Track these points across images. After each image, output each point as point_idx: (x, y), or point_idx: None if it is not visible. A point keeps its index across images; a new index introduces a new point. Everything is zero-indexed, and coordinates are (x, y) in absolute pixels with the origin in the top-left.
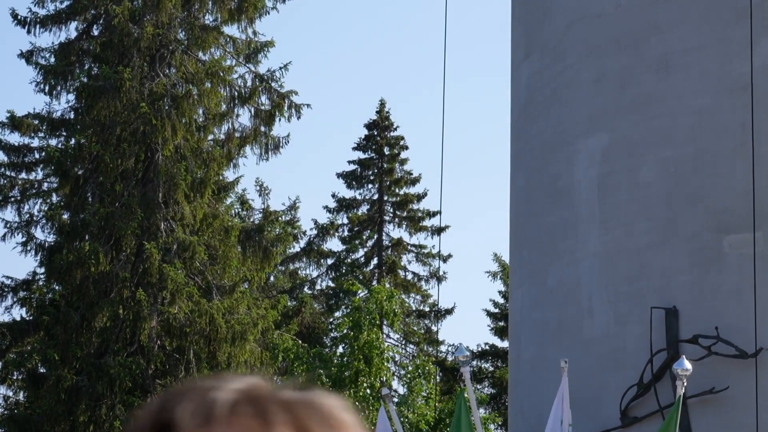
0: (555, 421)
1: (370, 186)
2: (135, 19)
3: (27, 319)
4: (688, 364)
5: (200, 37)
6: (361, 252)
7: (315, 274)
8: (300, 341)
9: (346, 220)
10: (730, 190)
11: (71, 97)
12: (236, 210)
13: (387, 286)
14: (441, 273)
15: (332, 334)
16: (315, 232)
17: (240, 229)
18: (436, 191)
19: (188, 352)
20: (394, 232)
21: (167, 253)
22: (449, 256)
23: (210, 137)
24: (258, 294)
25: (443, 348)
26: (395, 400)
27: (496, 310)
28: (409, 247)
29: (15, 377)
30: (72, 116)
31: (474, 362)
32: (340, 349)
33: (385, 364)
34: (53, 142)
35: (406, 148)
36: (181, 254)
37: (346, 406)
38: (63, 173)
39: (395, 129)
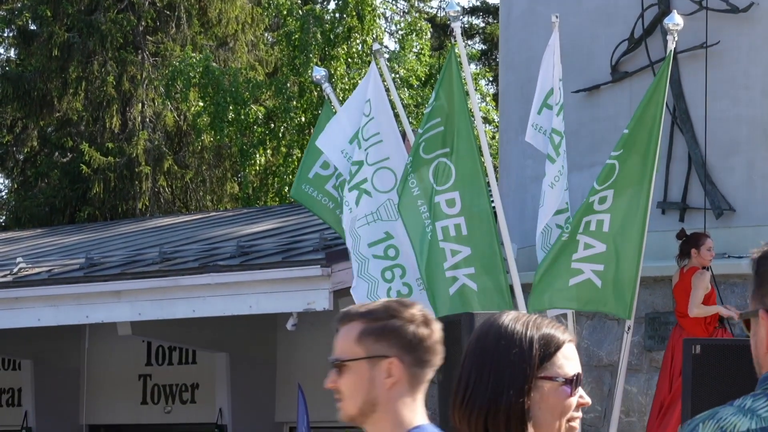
0: (546, 75)
1: None
2: None
3: None
4: (679, 19)
5: None
6: None
7: None
8: None
9: None
10: None
11: None
12: None
13: None
14: None
15: None
16: None
17: None
18: None
19: (179, 9)
20: None
21: None
22: None
23: None
24: None
25: (434, 4)
26: (386, 55)
27: None
28: None
29: (6, 35)
30: None
31: (464, 18)
32: (332, 6)
33: (377, 21)
34: None
35: None
36: None
37: None
38: None
39: None
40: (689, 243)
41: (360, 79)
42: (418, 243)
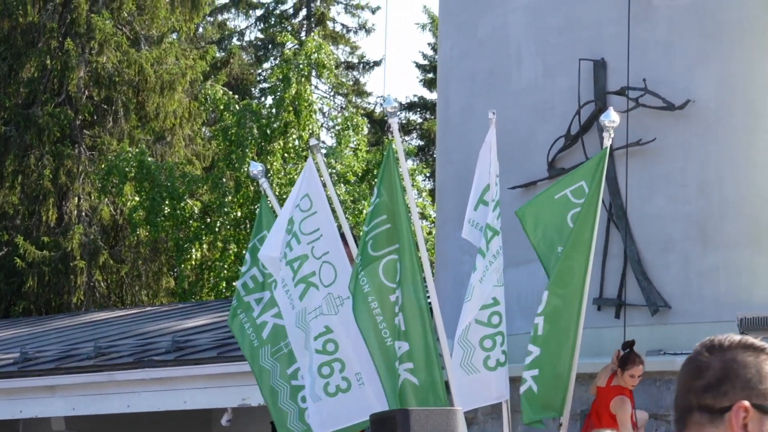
0: (482, 171)
1: None
2: None
3: None
4: (615, 116)
5: None
6: (290, 3)
7: (243, 25)
8: (231, 92)
9: None
10: None
11: None
12: None
13: (315, 38)
14: (370, 25)
15: (261, 86)
16: None
17: None
18: None
19: (116, 103)
20: None
21: (95, 3)
22: (378, 8)
23: None
24: (186, 45)
25: (371, 100)
26: (323, 151)
27: (426, 62)
28: None
29: None
30: None
31: (402, 114)
32: (269, 101)
33: (314, 116)
34: None
35: None
36: (108, 4)
37: None
38: None
39: None
40: (621, 360)
41: (296, 173)
42: (372, 340)
